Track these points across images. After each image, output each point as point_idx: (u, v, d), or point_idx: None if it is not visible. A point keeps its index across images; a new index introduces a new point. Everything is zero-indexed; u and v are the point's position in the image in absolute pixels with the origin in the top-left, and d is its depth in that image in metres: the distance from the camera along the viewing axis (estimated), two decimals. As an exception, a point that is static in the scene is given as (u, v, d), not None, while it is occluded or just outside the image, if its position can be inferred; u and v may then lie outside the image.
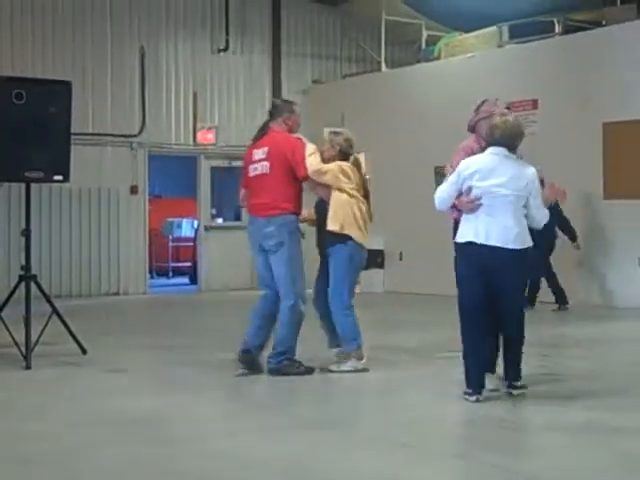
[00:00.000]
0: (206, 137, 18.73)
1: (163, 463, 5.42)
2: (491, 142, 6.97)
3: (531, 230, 6.98)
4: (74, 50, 17.54)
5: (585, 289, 14.34)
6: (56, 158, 9.12)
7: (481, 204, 6.79)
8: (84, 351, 9.34)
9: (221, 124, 18.91)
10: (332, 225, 8.19)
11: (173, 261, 22.83)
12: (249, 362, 8.26)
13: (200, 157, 18.93)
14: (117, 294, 17.72)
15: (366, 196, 8.33)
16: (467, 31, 17.34)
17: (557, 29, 15.66)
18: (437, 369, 8.77)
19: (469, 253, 6.91)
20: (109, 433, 6.17)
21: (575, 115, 14.70)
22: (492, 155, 6.93)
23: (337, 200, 8.16)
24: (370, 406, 7.31)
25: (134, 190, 17.95)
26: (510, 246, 6.76)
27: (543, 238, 9.69)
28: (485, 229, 6.81)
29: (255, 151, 8.41)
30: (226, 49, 18.98)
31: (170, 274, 22.56)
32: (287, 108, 8.53)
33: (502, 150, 6.90)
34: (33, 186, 9.48)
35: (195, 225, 20.64)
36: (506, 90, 15.70)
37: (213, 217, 19.24)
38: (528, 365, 8.96)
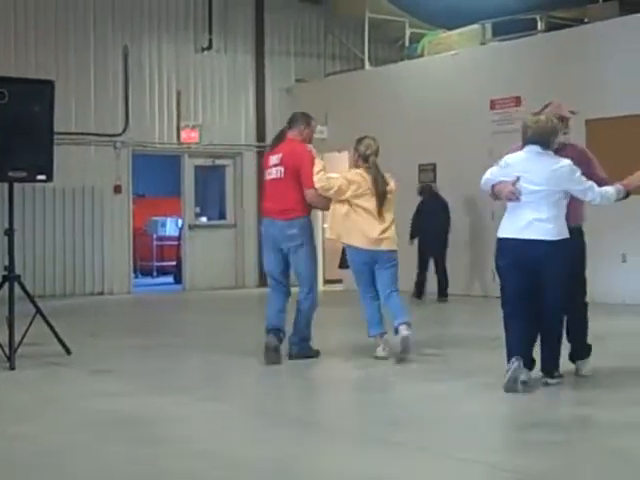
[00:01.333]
0: (190, 136, 18.70)
1: (148, 464, 5.40)
2: (525, 141, 7.34)
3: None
4: (57, 50, 17.51)
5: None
6: (39, 158, 9.08)
7: (519, 196, 7.15)
8: (68, 352, 9.30)
9: (205, 123, 18.88)
10: (330, 234, 9.17)
11: (157, 260, 22.80)
12: (277, 342, 8.87)
13: (184, 156, 18.90)
14: (101, 294, 17.68)
15: (380, 194, 8.95)
16: (450, 28, 17.36)
17: (540, 26, 15.70)
18: (422, 367, 8.76)
19: (507, 247, 7.25)
20: (94, 434, 6.15)
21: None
22: (526, 153, 7.30)
23: (337, 212, 8.94)
24: (356, 404, 7.31)
25: (118, 189, 17.91)
26: (547, 238, 7.06)
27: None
28: (522, 223, 7.15)
29: (271, 157, 9.10)
30: (209, 48, 18.96)
31: (154, 273, 22.53)
32: (305, 120, 9.18)
33: (536, 148, 7.24)
34: (16, 185, 9.44)
35: (179, 224, 20.62)
36: (489, 87, 15.78)
37: (197, 216, 19.22)
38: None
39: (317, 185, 8.78)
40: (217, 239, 19.01)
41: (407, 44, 18.46)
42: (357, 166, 9.13)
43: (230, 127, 19.20)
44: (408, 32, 18.54)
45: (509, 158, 7.40)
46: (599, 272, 14.10)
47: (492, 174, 7.45)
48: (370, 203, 8.93)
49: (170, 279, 21.06)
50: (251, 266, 19.14)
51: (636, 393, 7.36)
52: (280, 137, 9.19)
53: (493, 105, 15.70)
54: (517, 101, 15.34)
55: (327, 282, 18.67)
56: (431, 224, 15.10)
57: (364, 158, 9.08)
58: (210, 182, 19.72)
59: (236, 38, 19.39)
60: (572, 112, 8.07)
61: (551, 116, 7.42)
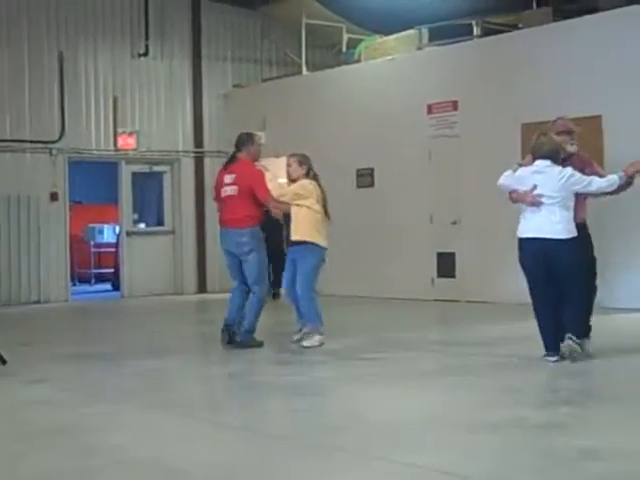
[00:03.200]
0: (127, 142, 18.55)
1: (85, 474, 5.35)
2: (540, 155, 8.72)
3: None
4: (-10, 55, 17.28)
5: (506, 288, 14.48)
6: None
7: (542, 201, 8.57)
8: (4, 361, 9.17)
9: (142, 129, 18.75)
10: (295, 235, 10.30)
11: (95, 267, 22.60)
12: (230, 334, 10.31)
13: (121, 162, 18.75)
14: (38, 302, 17.46)
15: (324, 205, 10.33)
16: (387, 34, 17.44)
17: (476, 32, 15.83)
18: (361, 371, 8.79)
19: (528, 245, 8.70)
20: (27, 444, 6.06)
21: (494, 116, 14.87)
22: (538, 166, 8.71)
23: (297, 215, 10.24)
24: (295, 409, 7.29)
25: (54, 197, 17.70)
26: (558, 237, 8.51)
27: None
28: (537, 225, 8.62)
29: (226, 176, 10.45)
30: (146, 54, 18.83)
31: (92, 280, 22.33)
32: (250, 140, 10.57)
33: (547, 162, 8.66)
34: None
35: (117, 231, 20.45)
36: (426, 92, 15.87)
37: (135, 222, 19.08)
38: (453, 363, 9.06)
39: (274, 195, 10.19)
40: (155, 245, 18.89)
41: (344, 49, 18.50)
42: (300, 178, 10.38)
43: (167, 133, 19.10)
44: (345, 37, 18.57)
45: (524, 171, 8.78)
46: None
47: (506, 179, 8.96)
48: (318, 207, 10.30)
49: (108, 286, 20.88)
50: (190, 272, 19.05)
51: (569, 394, 7.44)
52: (232, 158, 10.54)
53: (430, 110, 15.79)
54: (454, 105, 15.45)
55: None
56: None
57: (309, 172, 10.41)
58: (148, 188, 19.59)
59: (173, 44, 19.30)
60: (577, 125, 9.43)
61: (558, 138, 8.84)
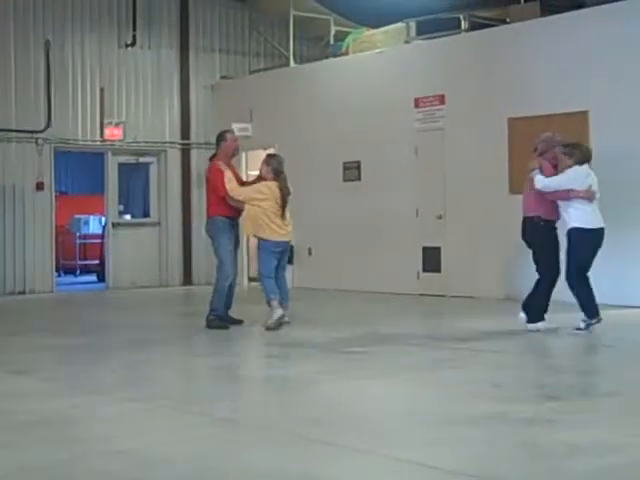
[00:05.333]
0: (113, 133, 18.49)
1: (68, 465, 5.34)
2: (586, 160, 10.38)
3: None
4: (-25, 44, 17.21)
5: (491, 283, 14.52)
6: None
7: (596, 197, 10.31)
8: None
9: (129, 120, 18.70)
10: (247, 231, 11.38)
11: (80, 259, 22.55)
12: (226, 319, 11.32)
13: (107, 153, 18.70)
14: (23, 293, 17.42)
15: (283, 205, 11.09)
16: (375, 27, 17.43)
17: (463, 26, 15.82)
18: (345, 364, 8.80)
19: (593, 234, 10.22)
20: (12, 435, 6.05)
21: (481, 110, 14.88)
22: (587, 169, 10.41)
23: (248, 212, 11.10)
24: (279, 402, 7.29)
25: (40, 187, 17.64)
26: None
27: None
28: (597, 217, 10.29)
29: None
30: (133, 44, 18.78)
31: (77, 272, 22.28)
32: (221, 138, 11.54)
33: (588, 165, 10.40)
34: None
35: (103, 222, 20.40)
36: (414, 85, 15.88)
37: (121, 214, 19.03)
38: (437, 358, 9.08)
39: (230, 194, 11.08)
40: (141, 237, 18.85)
41: (332, 42, 18.49)
42: (266, 179, 11.18)
43: (154, 124, 19.06)
44: (333, 30, 18.58)
45: (577, 172, 10.23)
46: (521, 270, 14.35)
47: (552, 181, 10.27)
48: (275, 207, 11.07)
49: (93, 277, 20.86)
50: (175, 264, 19.03)
51: (552, 389, 7.47)
52: (213, 156, 11.59)
53: (417, 103, 15.79)
54: (441, 99, 15.45)
55: (252, 280, 18.64)
56: None
57: (276, 173, 11.14)
58: (134, 180, 19.55)
59: (160, 34, 19.24)
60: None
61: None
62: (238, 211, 11.38)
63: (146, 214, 19.34)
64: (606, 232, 10.34)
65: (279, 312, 10.98)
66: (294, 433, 5.99)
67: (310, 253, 17.52)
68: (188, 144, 19.37)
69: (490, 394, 7.16)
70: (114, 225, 18.74)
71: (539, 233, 10.48)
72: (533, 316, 10.44)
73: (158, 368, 8.95)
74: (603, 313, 10.25)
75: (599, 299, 10.29)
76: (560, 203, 10.35)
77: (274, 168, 11.19)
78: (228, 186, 11.10)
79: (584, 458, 5.26)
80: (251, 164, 19.01)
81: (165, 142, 19.19)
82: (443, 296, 15.02)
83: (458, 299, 14.56)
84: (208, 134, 19.18)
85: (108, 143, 18.54)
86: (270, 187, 11.10)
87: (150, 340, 10.68)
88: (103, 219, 20.17)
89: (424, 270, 15.65)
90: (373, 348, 9.74)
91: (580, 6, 14.12)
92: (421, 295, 15.41)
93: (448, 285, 15.12)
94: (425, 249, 15.63)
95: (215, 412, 6.75)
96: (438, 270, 15.43)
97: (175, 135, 19.30)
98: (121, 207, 19.05)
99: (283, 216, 11.15)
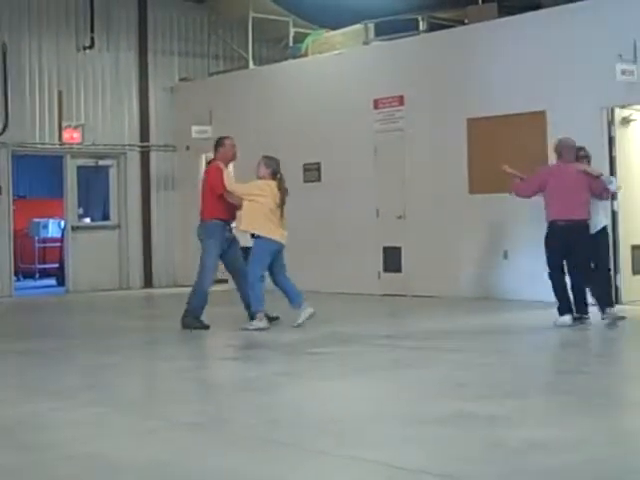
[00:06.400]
0: (72, 136, 18.35)
1: (31, 470, 5.30)
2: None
3: None
4: None
5: (452, 282, 14.59)
6: None
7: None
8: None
9: (87, 123, 18.58)
10: (241, 226, 11.37)
11: (40, 262, 22.37)
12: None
13: (66, 156, 18.57)
14: (-19, 298, 17.28)
15: (280, 204, 11.19)
16: (334, 28, 17.46)
17: (422, 27, 15.89)
18: (309, 365, 8.81)
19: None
20: (-25, 441, 6.01)
21: (440, 111, 14.95)
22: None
23: (245, 208, 11.15)
24: (242, 405, 7.29)
25: (-2, 191, 17.50)
26: None
27: None
28: None
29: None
30: (92, 46, 18.64)
31: (37, 276, 22.11)
32: (219, 143, 11.68)
33: None
34: None
35: (62, 225, 20.27)
36: (373, 87, 15.92)
37: (80, 217, 18.91)
38: (400, 357, 9.11)
39: (229, 189, 11.15)
40: (101, 240, 18.73)
41: (291, 44, 18.49)
42: (265, 177, 11.27)
43: (113, 127, 18.96)
44: (292, 32, 18.58)
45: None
46: (482, 269, 14.46)
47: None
48: (272, 205, 11.13)
49: (53, 281, 20.69)
50: (136, 267, 18.94)
51: (513, 387, 7.53)
52: (210, 161, 11.83)
53: (377, 104, 15.84)
54: (400, 100, 15.51)
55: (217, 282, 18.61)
56: None
57: (274, 174, 11.28)
58: (93, 183, 19.44)
59: (119, 37, 19.14)
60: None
61: None
62: (234, 213, 11.49)
63: (106, 217, 19.24)
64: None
65: (261, 324, 11.07)
66: (258, 436, 5.99)
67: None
68: (147, 147, 19.29)
69: (454, 393, 7.20)
70: (74, 228, 18.61)
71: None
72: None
73: (120, 372, 8.89)
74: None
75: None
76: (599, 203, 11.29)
77: (272, 170, 11.33)
78: (227, 182, 11.20)
79: (544, 456, 5.30)
80: (211, 166, 19.02)
81: (124, 145, 19.09)
82: (404, 296, 15.07)
83: (419, 299, 14.62)
84: (167, 136, 19.15)
85: (67, 146, 18.41)
86: (270, 185, 11.22)
87: (112, 343, 10.62)
88: (62, 223, 20.03)
89: (385, 270, 15.70)
90: (336, 349, 9.76)
91: (537, 7, 14.23)
92: (383, 295, 15.45)
93: (409, 285, 15.17)
94: (386, 249, 15.68)
95: (178, 416, 6.73)
96: (399, 270, 15.48)
97: (134, 138, 19.21)
98: (81, 210, 18.93)
99: (282, 216, 11.25)
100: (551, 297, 10.96)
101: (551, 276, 10.87)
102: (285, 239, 11.33)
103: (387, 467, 5.17)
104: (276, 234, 11.18)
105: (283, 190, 11.28)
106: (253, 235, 11.28)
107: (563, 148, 11.04)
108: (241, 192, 11.24)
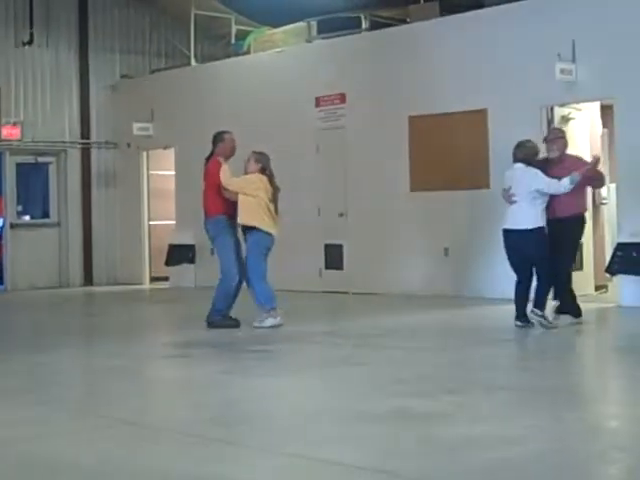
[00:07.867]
0: (11, 133, 18.16)
1: (-34, 469, 5.24)
2: (515, 160, 10.39)
3: None
4: None
5: (393, 279, 14.64)
6: None
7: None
8: None
9: (27, 119, 18.39)
10: (240, 220, 11.08)
11: (-22, 261, 22.05)
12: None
13: (5, 153, 18.35)
14: None
15: (273, 199, 11.12)
16: (276, 26, 17.44)
17: (364, 25, 15.93)
18: (249, 363, 8.79)
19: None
20: None
21: (382, 109, 15.00)
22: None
23: (242, 202, 11.02)
24: (182, 403, 7.26)
25: None
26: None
27: None
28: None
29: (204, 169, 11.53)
30: (31, 42, 18.43)
31: (-25, 274, 21.79)
32: (219, 138, 11.59)
33: (521, 165, 10.30)
34: None
35: (1, 223, 20.02)
36: (315, 84, 15.93)
37: (19, 214, 18.71)
38: (341, 355, 9.13)
39: (224, 183, 11.06)
40: (40, 238, 18.54)
41: (233, 41, 18.43)
42: (254, 172, 11.22)
43: (53, 123, 18.77)
44: (234, 29, 18.51)
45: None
46: (422, 266, 14.53)
47: None
48: (266, 199, 11.07)
49: (-9, 280, 20.42)
50: (76, 265, 18.77)
51: (451, 384, 7.57)
52: (209, 156, 11.49)
53: (318, 102, 15.85)
54: (342, 98, 15.53)
55: (153, 279, 18.54)
56: None
57: (263, 170, 11.22)
58: (33, 180, 19.23)
59: (59, 33, 18.94)
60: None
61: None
62: (235, 209, 11.22)
63: (45, 215, 19.04)
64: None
65: (275, 321, 10.92)
66: (197, 434, 5.96)
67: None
68: (88, 144, 19.13)
69: (393, 390, 7.22)
70: (12, 226, 18.40)
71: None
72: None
73: (60, 370, 8.80)
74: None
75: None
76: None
77: (262, 165, 11.28)
78: (223, 177, 11.12)
79: (481, 451, 5.34)
80: (152, 164, 18.91)
81: (65, 142, 18.91)
82: (346, 293, 15.10)
83: (361, 296, 14.66)
84: (108, 134, 19.01)
85: (5, 143, 18.19)
86: (262, 179, 11.17)
87: (52, 342, 10.51)
88: (1, 220, 19.79)
89: (326, 267, 15.71)
90: (277, 346, 9.76)
91: (479, 6, 14.33)
92: (324, 292, 15.47)
93: (351, 282, 15.20)
94: (327, 246, 15.70)
95: (118, 414, 6.68)
96: (340, 267, 15.50)
97: (75, 135, 19.04)
98: (20, 208, 18.73)
99: (276, 212, 11.18)
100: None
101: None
102: (277, 231, 11.27)
103: (325, 463, 5.17)
104: (273, 230, 11.16)
105: (275, 187, 11.24)
106: (244, 231, 11.19)
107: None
108: (235, 187, 11.13)
